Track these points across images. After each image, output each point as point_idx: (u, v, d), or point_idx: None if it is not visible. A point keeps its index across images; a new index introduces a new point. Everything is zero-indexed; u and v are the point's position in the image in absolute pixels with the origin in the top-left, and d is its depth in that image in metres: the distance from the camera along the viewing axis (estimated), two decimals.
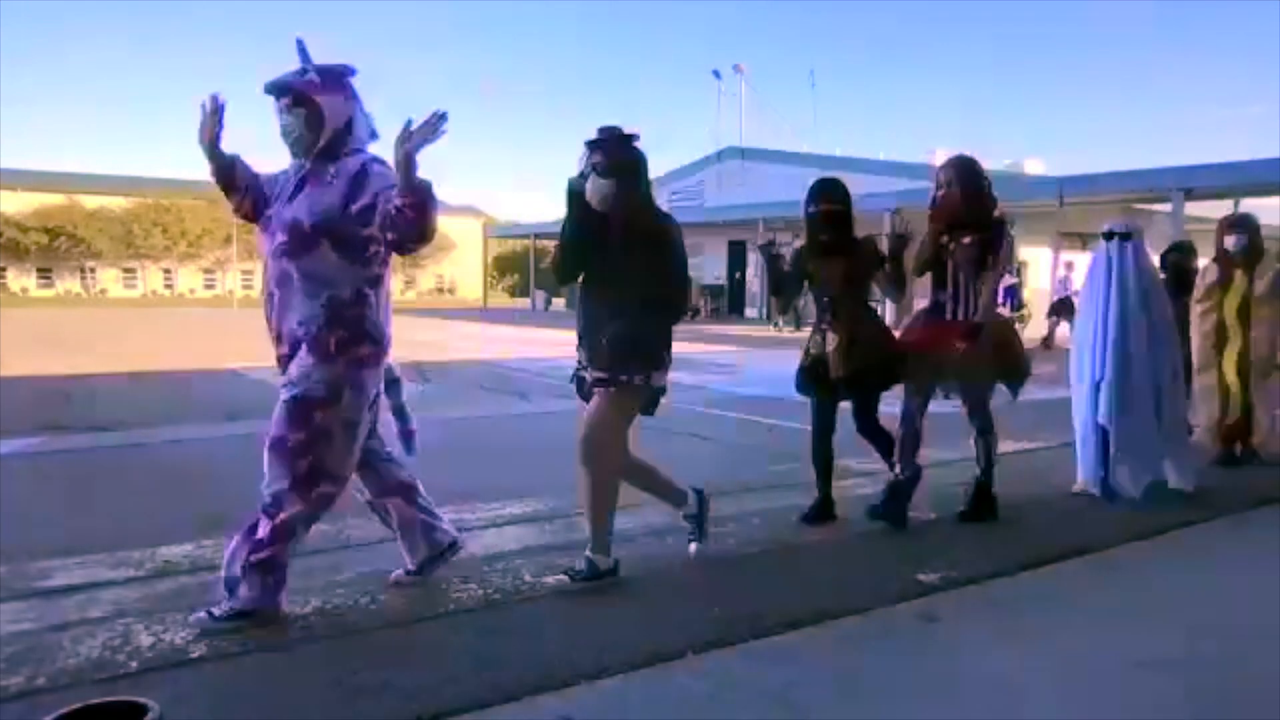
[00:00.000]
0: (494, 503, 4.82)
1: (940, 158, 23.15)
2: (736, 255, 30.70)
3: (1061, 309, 16.86)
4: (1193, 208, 17.56)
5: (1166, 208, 17.40)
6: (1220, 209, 19.75)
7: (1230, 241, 5.94)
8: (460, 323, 25.56)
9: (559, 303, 39.20)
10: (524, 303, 41.87)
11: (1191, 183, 16.91)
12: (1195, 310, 6.13)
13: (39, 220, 50.02)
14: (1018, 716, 2.59)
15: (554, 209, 58.07)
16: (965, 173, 4.53)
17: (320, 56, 3.15)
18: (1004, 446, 6.78)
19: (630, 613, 3.29)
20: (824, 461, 4.64)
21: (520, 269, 50.16)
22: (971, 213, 4.48)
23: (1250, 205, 19.49)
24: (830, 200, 4.53)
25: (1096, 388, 4.91)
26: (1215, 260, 6.08)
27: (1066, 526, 4.52)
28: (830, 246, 4.50)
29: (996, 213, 4.60)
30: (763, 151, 29.34)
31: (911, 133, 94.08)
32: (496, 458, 6.54)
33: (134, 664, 2.79)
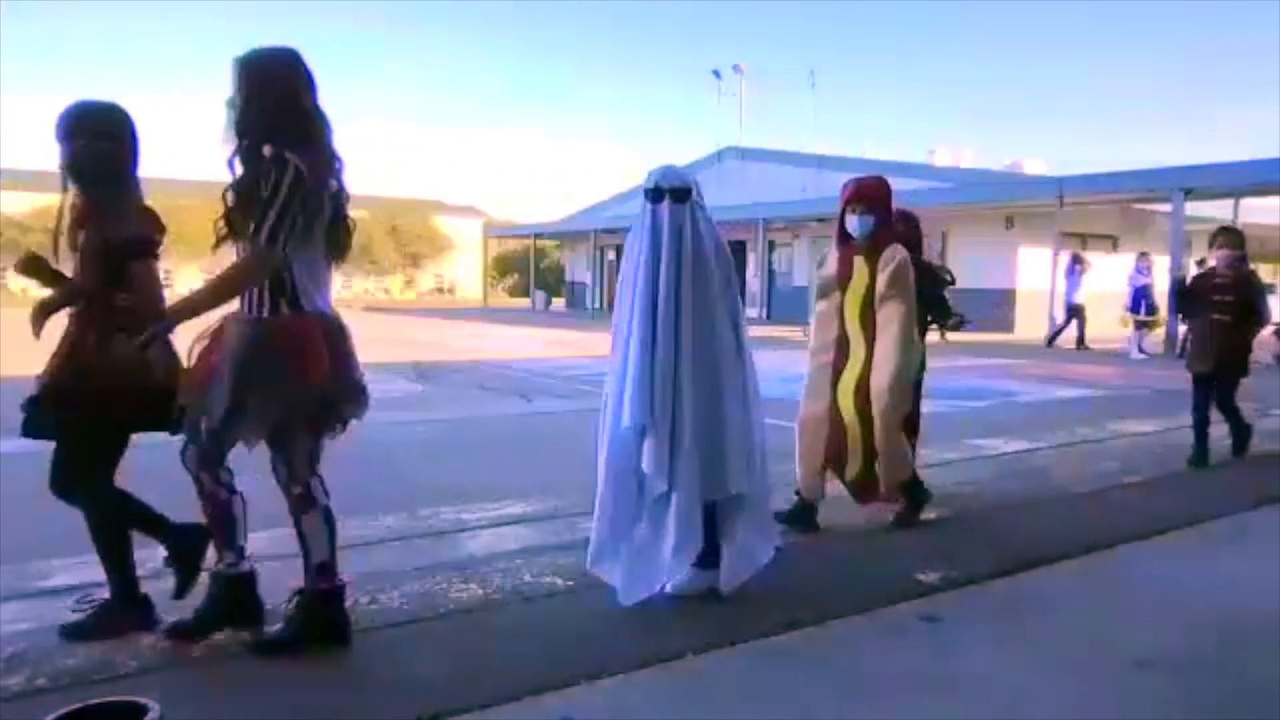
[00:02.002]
0: (494, 503, 4.82)
1: (940, 157, 23.20)
2: (736, 255, 30.57)
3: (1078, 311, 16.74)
4: (1193, 208, 17.56)
5: (1166, 208, 17.39)
6: (1220, 209, 19.83)
7: (853, 222, 4.23)
8: (460, 322, 25.55)
9: (559, 303, 39.23)
10: (524, 303, 41.85)
11: (1191, 183, 16.90)
12: (812, 316, 4.58)
13: (39, 220, 50.01)
14: (1018, 716, 2.59)
15: (554, 209, 58.03)
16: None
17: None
18: (1004, 446, 6.81)
19: (630, 613, 3.28)
20: None
21: (520, 269, 50.14)
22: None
23: (1250, 205, 19.54)
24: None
25: (641, 430, 3.19)
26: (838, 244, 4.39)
27: (1067, 526, 4.53)
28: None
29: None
30: (763, 151, 29.33)
31: (911, 133, 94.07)
32: (496, 458, 6.54)
33: (134, 664, 2.79)
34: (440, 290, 54.53)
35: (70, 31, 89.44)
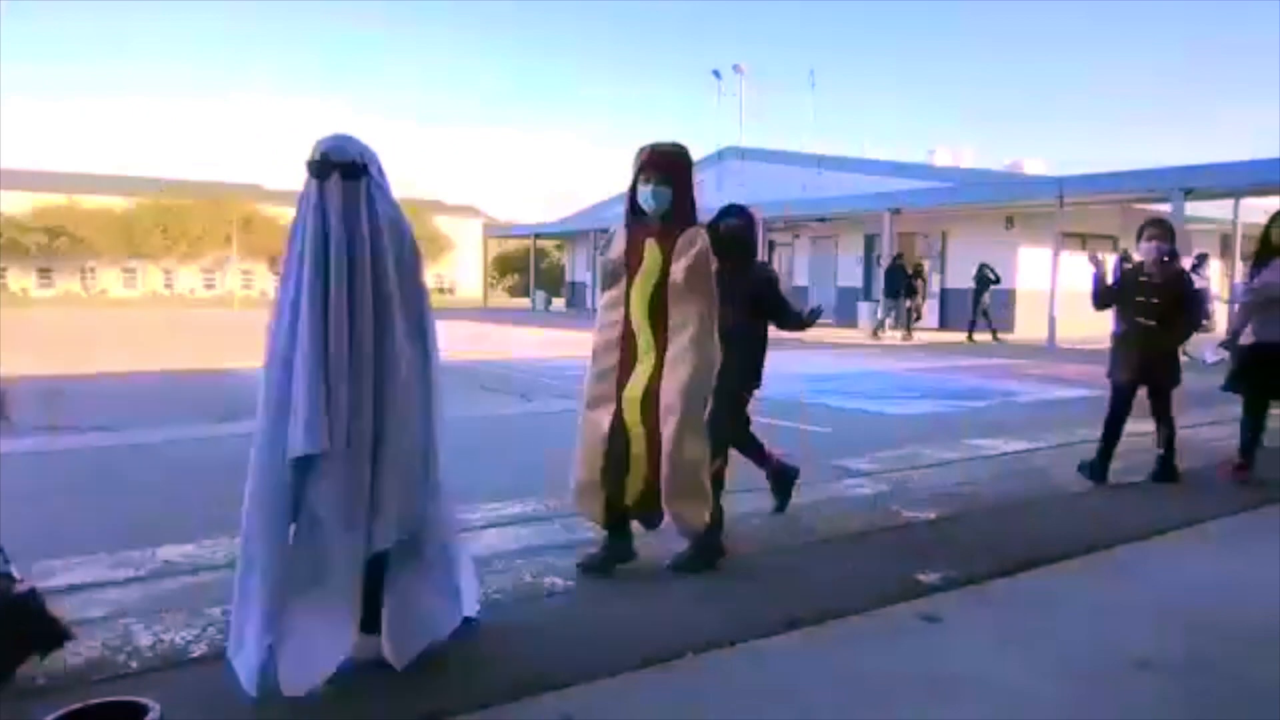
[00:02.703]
0: (494, 503, 4.82)
1: (940, 157, 23.20)
2: None
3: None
4: (1192, 208, 17.56)
5: (1166, 208, 17.40)
6: (1221, 209, 19.82)
7: (645, 194, 3.55)
8: (460, 322, 25.52)
9: (559, 303, 39.21)
10: (524, 303, 41.86)
11: (1191, 183, 16.90)
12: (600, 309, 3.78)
13: (39, 220, 50.04)
14: (1017, 717, 2.59)
15: (554, 209, 57.96)
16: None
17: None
18: (1004, 446, 6.81)
19: (630, 613, 3.29)
20: None
21: (520, 269, 50.14)
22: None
23: (1250, 205, 19.54)
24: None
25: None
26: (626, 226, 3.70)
27: (1067, 526, 4.53)
28: None
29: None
30: (763, 151, 29.32)
31: (911, 133, 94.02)
32: (496, 458, 6.54)
33: (134, 664, 2.79)
34: (440, 290, 54.56)
35: (70, 31, 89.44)
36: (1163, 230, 5.38)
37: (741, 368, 4.12)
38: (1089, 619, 3.32)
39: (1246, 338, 5.56)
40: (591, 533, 4.24)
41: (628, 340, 3.59)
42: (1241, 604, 3.48)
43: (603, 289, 3.71)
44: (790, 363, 15.41)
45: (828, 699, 2.66)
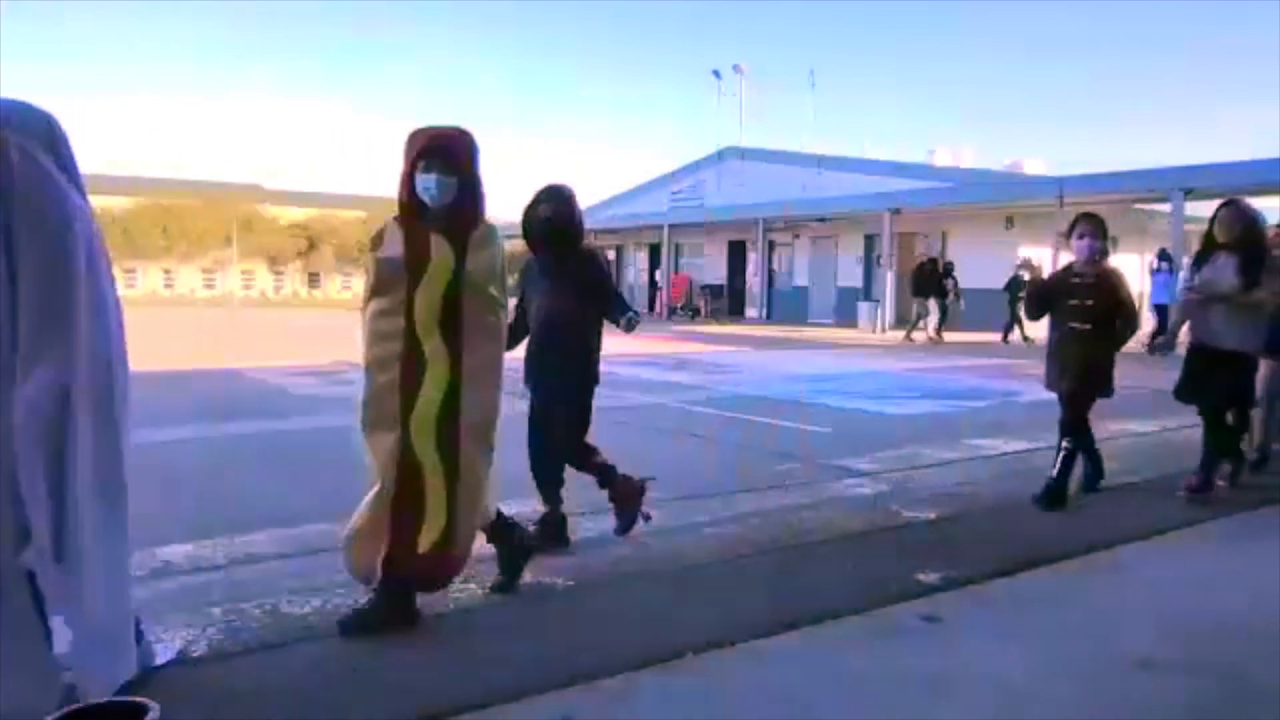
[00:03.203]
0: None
1: (940, 157, 23.18)
2: (736, 255, 30.71)
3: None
4: (1192, 208, 17.56)
5: (1166, 208, 17.40)
6: None
7: (426, 183, 3.08)
8: None
9: None
10: None
11: (1191, 183, 16.92)
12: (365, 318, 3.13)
13: None
14: (1017, 717, 2.59)
15: None
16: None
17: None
18: (1004, 446, 6.81)
19: (630, 613, 3.29)
20: None
21: (520, 269, 50.16)
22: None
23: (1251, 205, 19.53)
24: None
25: None
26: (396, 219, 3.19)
27: (1067, 526, 4.52)
28: None
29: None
30: (763, 151, 29.34)
31: (911, 133, 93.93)
32: (496, 457, 6.53)
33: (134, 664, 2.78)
34: None
35: (70, 31, 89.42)
36: (1094, 226, 4.92)
37: (568, 365, 3.95)
38: (1089, 619, 3.32)
39: (1188, 340, 5.18)
40: (594, 531, 4.25)
41: (412, 353, 3.00)
42: (1241, 604, 3.47)
43: (372, 294, 3.09)
44: (790, 363, 15.46)
45: (828, 699, 2.66)
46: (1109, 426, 7.69)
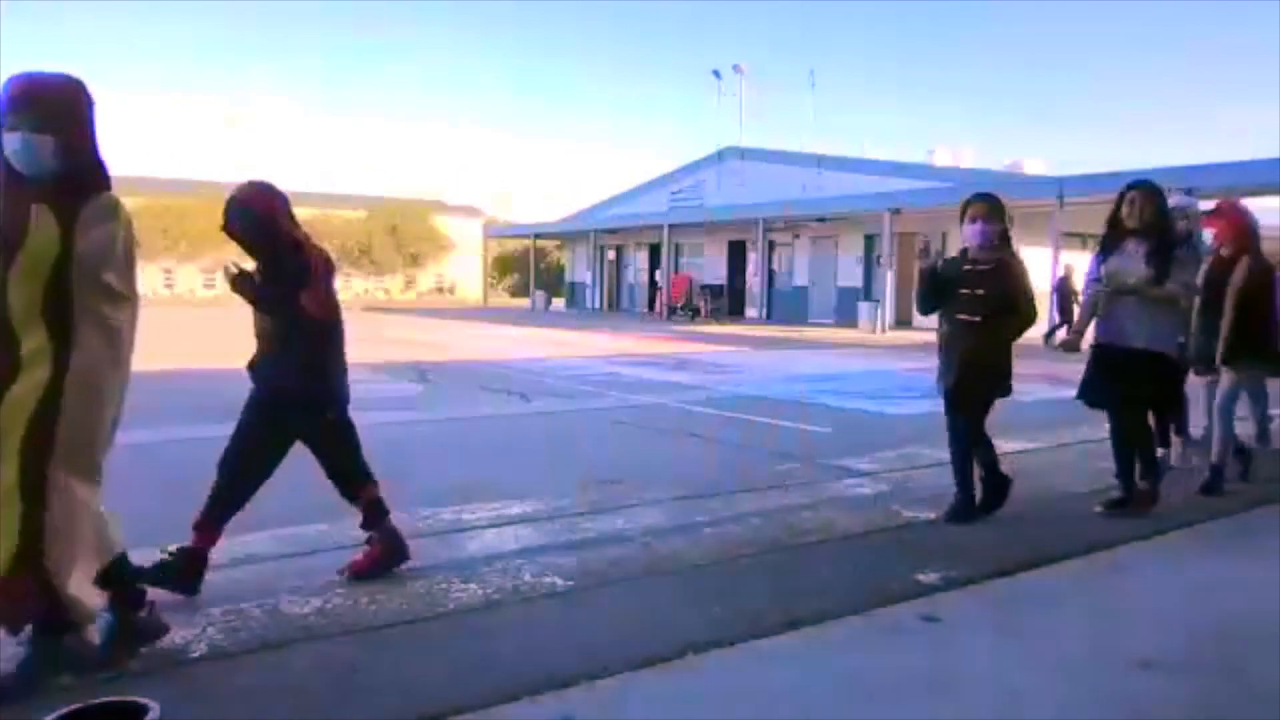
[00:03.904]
0: (494, 503, 4.81)
1: (940, 157, 23.16)
2: (736, 255, 30.72)
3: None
4: None
5: None
6: None
7: (13, 142, 2.55)
8: (460, 322, 25.54)
9: (559, 303, 39.23)
10: (524, 303, 41.86)
11: (1191, 183, 16.89)
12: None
13: None
14: (1017, 717, 2.59)
15: (554, 209, 58.05)
16: None
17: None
18: (1004, 446, 6.80)
19: (630, 613, 3.29)
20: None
21: (520, 269, 50.14)
22: None
23: (1250, 205, 19.53)
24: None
25: None
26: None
27: (1066, 526, 4.52)
28: None
29: None
30: (763, 151, 29.35)
31: (911, 133, 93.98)
32: (496, 458, 6.54)
33: (134, 664, 2.78)
34: (440, 290, 54.51)
35: (70, 32, 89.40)
36: (989, 209, 4.40)
37: (308, 369, 3.52)
38: (1089, 619, 3.32)
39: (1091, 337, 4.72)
40: (593, 531, 4.25)
41: (5, 353, 2.48)
42: (1241, 604, 3.47)
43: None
44: (790, 363, 15.47)
45: (828, 699, 2.66)
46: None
